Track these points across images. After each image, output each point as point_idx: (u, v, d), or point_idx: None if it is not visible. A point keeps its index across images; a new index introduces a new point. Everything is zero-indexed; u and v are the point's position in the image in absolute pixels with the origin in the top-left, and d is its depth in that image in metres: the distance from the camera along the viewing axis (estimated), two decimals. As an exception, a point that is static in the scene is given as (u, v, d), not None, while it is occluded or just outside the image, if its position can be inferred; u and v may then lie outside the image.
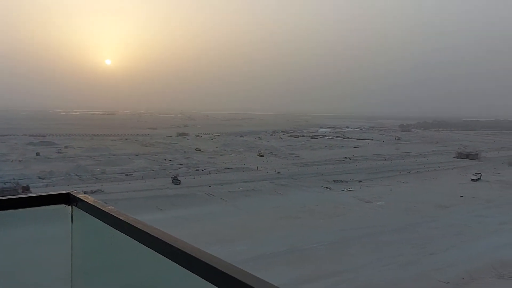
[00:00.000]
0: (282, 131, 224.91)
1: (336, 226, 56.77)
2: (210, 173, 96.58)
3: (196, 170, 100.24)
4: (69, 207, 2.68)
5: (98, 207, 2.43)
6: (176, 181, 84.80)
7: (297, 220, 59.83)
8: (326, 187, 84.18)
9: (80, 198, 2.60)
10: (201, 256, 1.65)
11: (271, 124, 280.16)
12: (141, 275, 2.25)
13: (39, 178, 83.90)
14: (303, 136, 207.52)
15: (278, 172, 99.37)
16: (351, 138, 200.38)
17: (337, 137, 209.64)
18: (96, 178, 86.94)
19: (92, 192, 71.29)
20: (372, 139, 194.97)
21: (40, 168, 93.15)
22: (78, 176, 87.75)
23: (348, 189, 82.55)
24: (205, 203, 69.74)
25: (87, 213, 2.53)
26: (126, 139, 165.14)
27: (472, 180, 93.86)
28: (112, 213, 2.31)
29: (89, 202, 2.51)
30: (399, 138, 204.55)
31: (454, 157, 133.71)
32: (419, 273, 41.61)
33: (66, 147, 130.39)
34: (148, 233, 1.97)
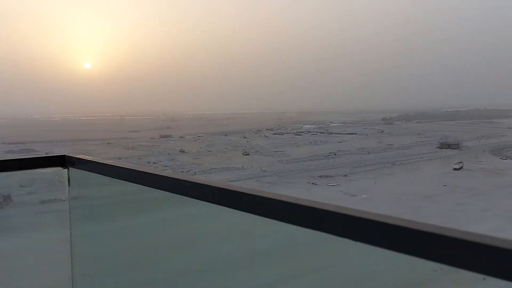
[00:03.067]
0: (266, 129, 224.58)
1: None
2: (195, 174, 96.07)
3: (181, 171, 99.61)
4: (65, 170, 2.61)
5: (98, 161, 2.32)
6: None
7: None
8: (312, 183, 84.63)
9: (77, 158, 2.51)
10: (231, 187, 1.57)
11: (256, 122, 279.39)
12: (163, 219, 2.12)
13: (21, 186, 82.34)
14: (287, 133, 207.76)
15: (264, 170, 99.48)
16: (335, 133, 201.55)
17: (321, 132, 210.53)
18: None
19: (76, 198, 70.32)
20: (356, 133, 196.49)
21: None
22: (60, 182, 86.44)
23: (334, 184, 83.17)
24: (192, 204, 69.40)
25: (86, 171, 2.44)
26: (108, 143, 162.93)
27: (455, 169, 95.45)
28: (115, 165, 2.18)
29: (87, 159, 2.43)
30: (382, 131, 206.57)
31: (436, 147, 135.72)
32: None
33: (46, 153, 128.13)
34: (165, 176, 1.82)
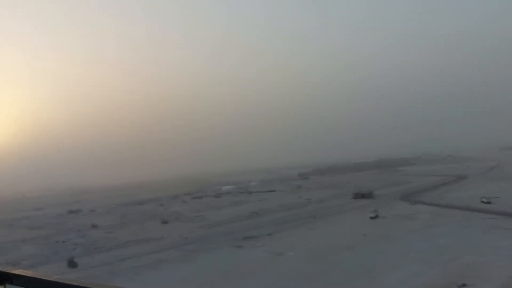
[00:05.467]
0: (184, 194, 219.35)
1: (251, 286, 54.66)
2: (110, 249, 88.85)
3: (94, 248, 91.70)
4: (1, 286, 2.36)
5: (41, 277, 2.19)
6: (72, 263, 76.63)
7: (210, 286, 56.51)
8: (237, 246, 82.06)
9: (15, 274, 2.37)
10: None
11: (172, 187, 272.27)
12: None
13: None
14: (206, 196, 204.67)
15: (185, 238, 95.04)
16: (255, 192, 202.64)
17: (241, 192, 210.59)
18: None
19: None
20: (275, 190, 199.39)
21: None
22: None
23: (259, 244, 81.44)
24: (108, 283, 62.85)
25: None
26: (10, 224, 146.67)
27: (371, 218, 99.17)
28: (57, 280, 2.14)
29: (28, 275, 2.30)
30: (299, 187, 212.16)
31: (351, 198, 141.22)
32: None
33: None
34: None
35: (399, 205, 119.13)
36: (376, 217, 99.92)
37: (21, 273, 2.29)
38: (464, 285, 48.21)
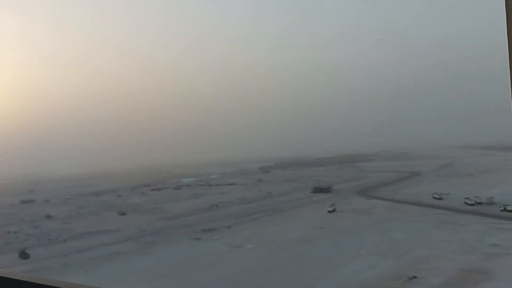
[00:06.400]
0: (143, 185, 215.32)
1: (209, 278, 54.65)
2: (65, 241, 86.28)
3: (48, 239, 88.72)
4: None
5: (13, 277, 2.16)
6: (24, 255, 74.06)
7: (167, 278, 56.05)
8: (196, 238, 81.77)
9: None
10: None
11: (130, 179, 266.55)
12: None
13: None
14: (166, 188, 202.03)
15: (144, 230, 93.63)
16: (215, 185, 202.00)
17: (202, 185, 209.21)
18: None
19: None
20: (236, 184, 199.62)
21: None
22: None
23: (218, 237, 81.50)
24: (61, 275, 61.11)
25: None
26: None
27: (329, 212, 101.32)
28: (29, 280, 2.07)
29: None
30: (260, 180, 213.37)
31: (311, 192, 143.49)
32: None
33: None
34: None
35: (356, 199, 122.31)
36: (333, 211, 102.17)
37: None
38: (415, 277, 50.23)
